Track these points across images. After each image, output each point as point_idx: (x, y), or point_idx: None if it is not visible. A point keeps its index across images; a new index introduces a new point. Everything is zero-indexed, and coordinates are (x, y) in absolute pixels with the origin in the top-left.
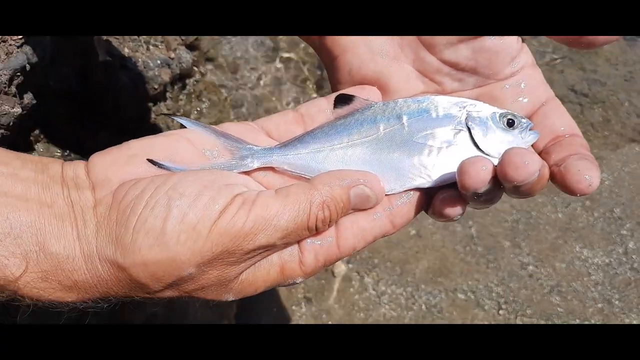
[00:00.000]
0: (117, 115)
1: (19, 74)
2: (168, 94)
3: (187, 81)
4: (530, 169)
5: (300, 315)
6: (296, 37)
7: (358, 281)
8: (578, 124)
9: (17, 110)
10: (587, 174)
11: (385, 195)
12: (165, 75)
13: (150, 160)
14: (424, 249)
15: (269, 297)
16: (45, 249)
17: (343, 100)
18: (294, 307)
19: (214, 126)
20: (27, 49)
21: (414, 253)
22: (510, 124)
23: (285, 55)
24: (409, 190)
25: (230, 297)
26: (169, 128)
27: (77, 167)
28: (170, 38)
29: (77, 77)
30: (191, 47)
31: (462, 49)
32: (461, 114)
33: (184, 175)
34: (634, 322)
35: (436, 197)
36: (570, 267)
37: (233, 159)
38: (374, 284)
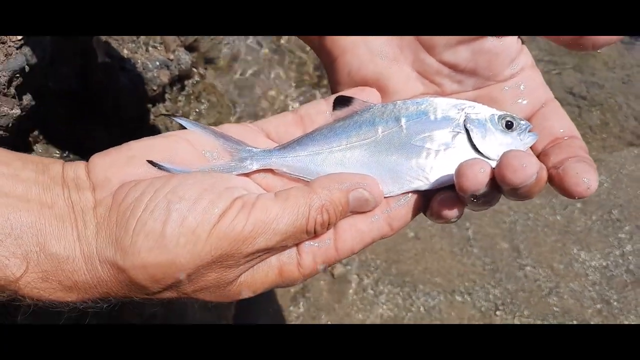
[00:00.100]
0: (117, 115)
1: (18, 75)
2: (167, 95)
3: (186, 82)
4: (528, 171)
5: (298, 315)
6: (296, 38)
7: (356, 282)
8: (577, 127)
9: (16, 111)
10: (585, 176)
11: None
12: (164, 77)
13: (150, 162)
14: (422, 250)
15: (268, 298)
16: (45, 250)
17: (342, 102)
18: (292, 308)
19: (213, 127)
20: (26, 50)
21: (412, 255)
22: (509, 125)
23: (285, 56)
24: (406, 192)
25: (229, 299)
26: (167, 128)
27: (77, 168)
28: (169, 39)
29: (77, 77)
30: (190, 49)
31: (461, 50)
32: (459, 116)
33: (183, 178)
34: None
35: (434, 199)
36: (568, 268)
37: (232, 161)
38: (373, 285)
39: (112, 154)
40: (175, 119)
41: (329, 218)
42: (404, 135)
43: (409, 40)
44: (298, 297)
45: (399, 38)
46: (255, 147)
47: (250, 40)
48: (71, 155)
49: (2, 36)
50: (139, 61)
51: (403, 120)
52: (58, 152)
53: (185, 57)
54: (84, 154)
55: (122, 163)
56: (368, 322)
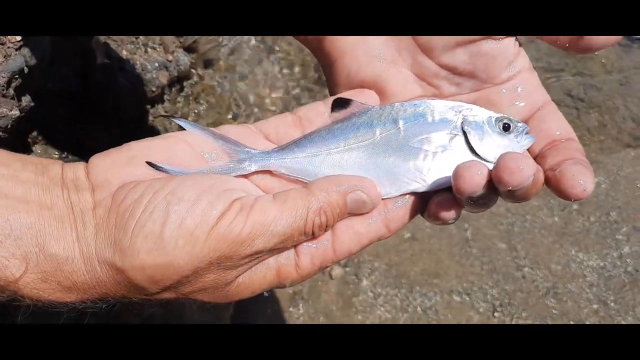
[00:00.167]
0: (117, 115)
1: (17, 76)
2: (166, 96)
3: (184, 83)
4: (525, 173)
5: (297, 317)
6: (295, 40)
7: (355, 283)
8: (574, 129)
9: (15, 112)
10: (581, 179)
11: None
12: (163, 78)
13: (149, 163)
14: (420, 251)
15: (266, 299)
16: (45, 251)
17: (340, 104)
18: (291, 309)
19: (212, 129)
20: (25, 51)
21: (410, 255)
22: (506, 128)
23: (284, 57)
24: (404, 194)
25: (227, 300)
26: (166, 129)
27: (77, 169)
28: (168, 41)
29: (77, 78)
30: (189, 50)
31: (459, 53)
32: (457, 119)
33: (182, 180)
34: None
35: (432, 201)
36: (565, 269)
37: (231, 162)
38: (371, 286)
39: (112, 155)
40: (174, 120)
41: (327, 220)
42: (401, 137)
43: (407, 42)
44: (296, 298)
45: (397, 41)
46: (254, 149)
47: (249, 41)
48: (70, 156)
49: (1, 37)
50: (137, 62)
51: (401, 123)
52: (57, 152)
53: (184, 59)
54: (84, 154)
55: (121, 164)
56: (366, 322)
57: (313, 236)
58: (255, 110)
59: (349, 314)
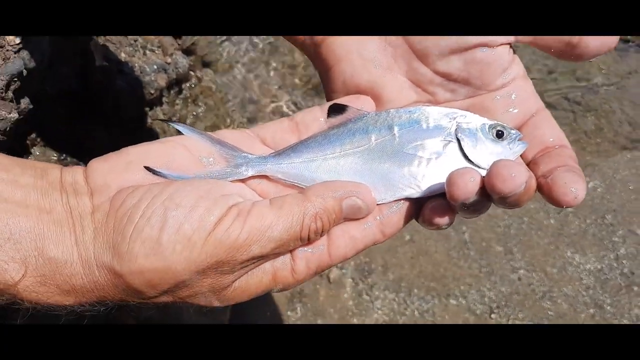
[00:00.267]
0: (116, 115)
1: (16, 79)
2: (164, 99)
3: (183, 86)
4: (517, 181)
5: (295, 320)
6: (293, 44)
7: (352, 286)
8: (571, 132)
9: (14, 115)
10: (573, 186)
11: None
12: (162, 80)
13: (147, 168)
14: (417, 254)
15: (263, 302)
16: (44, 254)
17: (336, 109)
18: (288, 312)
19: (210, 133)
20: (24, 54)
21: (408, 258)
22: (500, 135)
23: (282, 60)
24: (399, 199)
25: (224, 304)
26: (164, 132)
27: (75, 173)
28: (167, 43)
29: (76, 78)
30: (187, 52)
31: (454, 60)
32: (451, 125)
33: (180, 186)
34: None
35: (426, 206)
36: (562, 272)
37: (228, 167)
38: (368, 289)
39: (110, 159)
40: (172, 124)
41: (323, 226)
42: (396, 143)
43: (402, 49)
44: (294, 301)
45: (393, 47)
46: (251, 154)
47: (248, 44)
48: (69, 158)
49: (0, 40)
50: (136, 65)
51: (396, 129)
52: (56, 154)
53: (183, 61)
54: (83, 156)
55: (120, 169)
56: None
57: (309, 241)
58: (254, 112)
59: (346, 317)
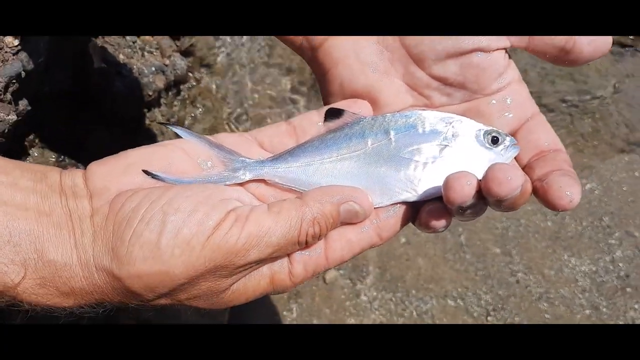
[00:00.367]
0: (115, 117)
1: (14, 81)
2: (162, 100)
3: (181, 87)
4: (513, 184)
5: (292, 321)
6: (290, 48)
7: (349, 288)
8: (568, 134)
9: (12, 117)
10: (568, 190)
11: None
12: (160, 82)
13: (145, 171)
14: (415, 256)
15: (260, 303)
16: (43, 257)
17: (333, 114)
18: (285, 313)
19: (208, 137)
20: (22, 55)
21: (405, 260)
22: (495, 141)
23: (280, 63)
24: (395, 203)
25: (222, 306)
26: (162, 134)
27: (75, 176)
28: (165, 45)
29: (75, 79)
30: (186, 54)
31: (450, 64)
32: (447, 130)
33: (181, 190)
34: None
35: (422, 210)
36: (558, 274)
37: (226, 171)
38: (365, 290)
39: (110, 162)
40: (170, 127)
41: (320, 230)
42: (392, 147)
43: (399, 54)
44: (291, 302)
45: (390, 52)
46: (249, 158)
47: (247, 46)
48: (67, 160)
49: None
50: (134, 66)
51: (392, 133)
52: (54, 156)
53: (181, 63)
54: (81, 157)
55: (119, 172)
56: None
57: (306, 245)
58: (252, 114)
59: (343, 318)
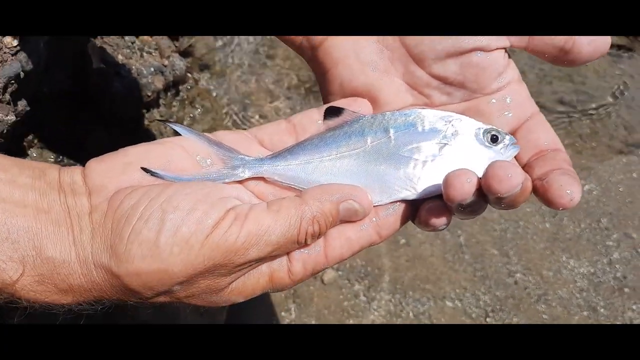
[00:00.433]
0: (114, 117)
1: (13, 81)
2: (161, 101)
3: (180, 88)
4: (513, 181)
5: (290, 321)
6: (290, 47)
7: (348, 288)
8: (567, 135)
9: (11, 117)
10: (569, 189)
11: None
12: (159, 82)
13: (144, 169)
14: (413, 257)
15: (259, 303)
16: (41, 254)
17: (333, 112)
18: (283, 314)
19: (207, 134)
20: (21, 56)
21: (403, 261)
22: (494, 139)
23: (280, 62)
24: (395, 201)
25: (221, 304)
26: (161, 133)
27: (73, 173)
28: (164, 45)
29: (74, 79)
30: (185, 54)
31: (450, 63)
32: (446, 128)
33: (180, 188)
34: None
35: (422, 208)
36: (557, 276)
37: (225, 169)
38: (364, 291)
39: (109, 159)
40: (169, 125)
41: (320, 229)
42: (392, 146)
43: (399, 53)
44: (289, 303)
45: (390, 51)
46: (248, 156)
47: (246, 46)
48: (66, 160)
49: None
50: (133, 67)
51: (391, 132)
52: (53, 156)
53: (180, 63)
54: (80, 157)
55: (118, 169)
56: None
57: (306, 244)
58: (251, 114)
59: (342, 319)
